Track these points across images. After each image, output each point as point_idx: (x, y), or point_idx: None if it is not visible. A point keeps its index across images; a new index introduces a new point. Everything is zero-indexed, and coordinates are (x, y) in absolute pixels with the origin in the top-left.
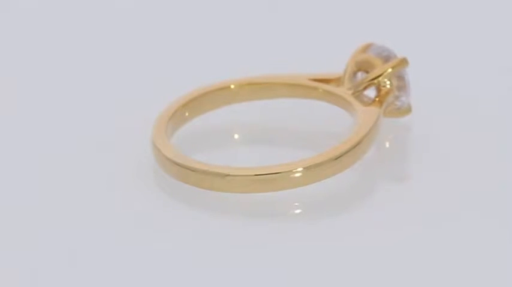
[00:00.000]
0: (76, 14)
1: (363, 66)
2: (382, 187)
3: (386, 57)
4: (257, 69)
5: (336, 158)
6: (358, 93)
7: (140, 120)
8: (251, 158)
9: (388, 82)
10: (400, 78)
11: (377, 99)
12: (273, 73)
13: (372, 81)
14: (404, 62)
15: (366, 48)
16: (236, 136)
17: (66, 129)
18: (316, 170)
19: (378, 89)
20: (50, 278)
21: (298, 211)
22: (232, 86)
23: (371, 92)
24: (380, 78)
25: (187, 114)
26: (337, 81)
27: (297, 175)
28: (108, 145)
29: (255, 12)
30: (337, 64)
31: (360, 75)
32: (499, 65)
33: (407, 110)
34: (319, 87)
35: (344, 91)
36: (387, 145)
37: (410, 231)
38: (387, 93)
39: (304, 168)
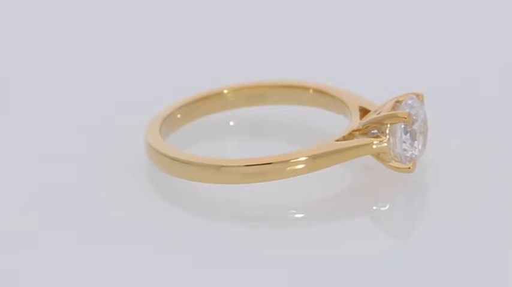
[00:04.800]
0: (78, 15)
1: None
2: (384, 192)
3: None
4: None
5: (324, 154)
6: (361, 131)
7: (138, 121)
8: (243, 152)
9: (383, 131)
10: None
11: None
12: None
13: (371, 126)
14: (393, 117)
15: (407, 96)
16: (229, 131)
17: (64, 128)
18: (306, 163)
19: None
20: (47, 277)
21: (297, 216)
22: (225, 91)
23: None
24: (373, 125)
25: (179, 116)
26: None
27: (290, 167)
28: (104, 145)
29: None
30: None
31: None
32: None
33: (408, 167)
34: (310, 86)
35: (357, 120)
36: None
37: (410, 238)
38: (385, 141)
39: (295, 160)
